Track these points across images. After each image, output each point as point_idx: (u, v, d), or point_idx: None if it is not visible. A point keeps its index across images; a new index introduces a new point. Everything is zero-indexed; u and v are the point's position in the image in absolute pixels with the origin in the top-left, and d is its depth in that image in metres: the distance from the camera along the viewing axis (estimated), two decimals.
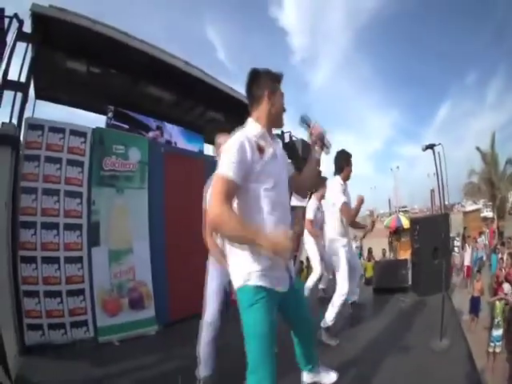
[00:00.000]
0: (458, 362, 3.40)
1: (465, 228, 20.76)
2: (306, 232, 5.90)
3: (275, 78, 2.22)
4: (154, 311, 5.02)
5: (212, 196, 1.90)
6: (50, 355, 3.93)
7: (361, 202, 4.39)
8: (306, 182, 2.53)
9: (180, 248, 5.29)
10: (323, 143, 2.43)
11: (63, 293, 4.31)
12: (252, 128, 2.14)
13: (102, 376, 3.60)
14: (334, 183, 4.53)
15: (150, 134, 7.21)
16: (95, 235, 4.65)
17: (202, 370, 3.05)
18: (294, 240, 2.17)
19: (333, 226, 4.52)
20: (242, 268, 2.05)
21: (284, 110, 2.26)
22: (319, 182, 5.52)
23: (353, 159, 4.54)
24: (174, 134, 8.00)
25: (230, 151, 1.94)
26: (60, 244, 4.37)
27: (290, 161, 2.51)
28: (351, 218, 4.37)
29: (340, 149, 4.56)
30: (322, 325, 4.20)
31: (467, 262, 13.83)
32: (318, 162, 2.50)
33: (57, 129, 4.54)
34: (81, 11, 4.89)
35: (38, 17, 4.45)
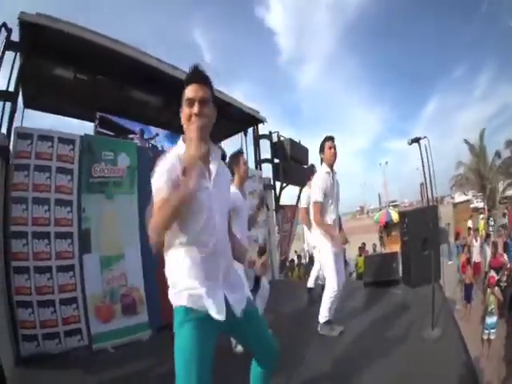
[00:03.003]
0: (451, 350, 3.48)
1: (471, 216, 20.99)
2: (319, 232, 4.67)
3: (186, 83, 2.08)
4: (147, 316, 5.04)
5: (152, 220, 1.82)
6: (46, 365, 3.92)
7: (338, 244, 4.42)
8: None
9: None
10: None
11: (56, 302, 4.29)
12: (176, 147, 2.06)
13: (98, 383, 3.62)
14: (317, 174, 4.64)
15: (130, 136, 7.26)
16: (86, 242, 4.64)
17: None
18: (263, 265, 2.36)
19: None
20: (175, 288, 1.93)
21: (187, 119, 2.01)
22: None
23: (341, 153, 4.62)
24: (161, 138, 8.05)
25: (156, 173, 1.95)
26: (52, 253, 4.35)
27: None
28: (316, 223, 4.43)
29: None
30: (319, 320, 4.31)
31: (476, 258, 12.87)
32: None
33: (45, 137, 4.52)
34: (68, 18, 4.87)
35: (25, 25, 4.43)
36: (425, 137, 4.04)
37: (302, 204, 6.07)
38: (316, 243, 4.61)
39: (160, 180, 1.87)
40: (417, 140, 4.04)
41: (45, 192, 4.41)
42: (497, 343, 7.37)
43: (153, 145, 7.86)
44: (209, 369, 1.83)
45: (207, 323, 1.85)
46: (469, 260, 11.68)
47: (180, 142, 2.06)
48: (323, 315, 4.31)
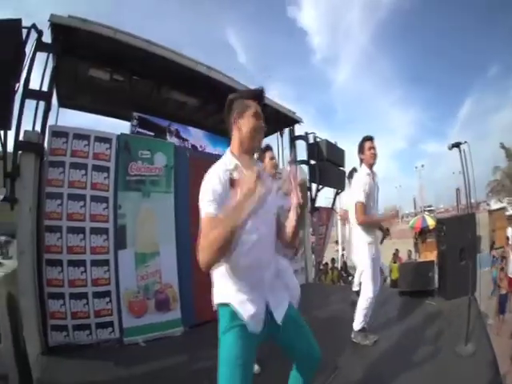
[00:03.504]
0: (482, 367, 3.36)
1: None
2: (357, 234, 4.49)
3: (248, 97, 2.11)
4: (180, 313, 5.07)
5: (202, 240, 1.69)
6: (74, 355, 4.00)
7: (391, 216, 4.38)
8: (286, 235, 2.17)
9: None
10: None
11: (89, 294, 4.39)
12: (225, 160, 2.03)
13: (128, 376, 3.66)
14: (358, 174, 4.49)
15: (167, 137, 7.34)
16: (122, 238, 4.73)
17: None
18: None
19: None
20: (220, 293, 2.03)
21: (255, 132, 2.04)
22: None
23: (378, 156, 4.41)
24: (199, 138, 8.15)
25: (203, 190, 1.87)
26: (86, 247, 4.45)
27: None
28: (362, 223, 4.28)
29: None
30: (353, 328, 4.25)
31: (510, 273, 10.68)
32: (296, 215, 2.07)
33: (81, 135, 4.63)
34: (101, 20, 4.99)
35: (57, 27, 4.54)
36: (465, 142, 3.91)
37: (359, 197, 4.87)
38: (355, 248, 4.51)
39: (211, 197, 1.82)
40: (457, 145, 3.91)
41: (80, 188, 4.52)
42: None
43: (193, 145, 7.97)
44: (251, 374, 1.93)
45: (242, 328, 1.90)
46: (502, 269, 10.87)
47: (228, 154, 2.07)
48: (358, 322, 4.24)
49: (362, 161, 4.48)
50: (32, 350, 3.80)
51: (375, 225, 4.39)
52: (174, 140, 7.35)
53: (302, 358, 2.18)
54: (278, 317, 2.00)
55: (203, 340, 4.60)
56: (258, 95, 2.12)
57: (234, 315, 1.90)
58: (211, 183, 1.85)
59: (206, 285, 4.94)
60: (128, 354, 4.29)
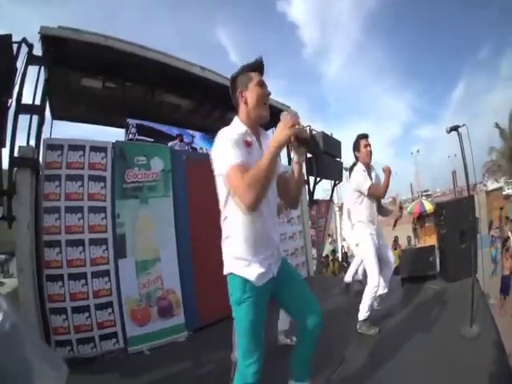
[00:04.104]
0: (487, 347, 3.38)
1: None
2: (359, 228, 4.60)
3: (249, 70, 2.22)
4: (183, 318, 5.05)
5: (240, 186, 1.87)
6: (80, 370, 3.89)
7: (388, 172, 4.30)
8: (291, 191, 2.35)
9: (205, 252, 5.33)
10: (304, 138, 2.09)
11: (91, 307, 4.37)
12: (235, 126, 2.17)
13: None
14: (355, 173, 4.52)
15: (170, 144, 7.26)
16: (121, 248, 4.69)
17: None
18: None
19: (357, 210, 4.51)
20: (233, 257, 2.17)
21: (262, 100, 2.18)
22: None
23: (372, 144, 4.49)
24: (196, 140, 8.16)
25: (220, 150, 2.02)
26: (86, 259, 4.43)
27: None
28: (383, 194, 4.40)
29: None
30: (358, 317, 4.30)
31: None
32: (299, 167, 2.26)
33: (76, 146, 4.61)
34: (90, 28, 4.97)
35: (47, 39, 4.51)
36: (463, 124, 3.88)
37: (366, 182, 4.77)
38: (357, 239, 4.57)
39: (232, 152, 1.95)
40: (455, 128, 3.89)
41: (77, 200, 4.49)
42: None
43: (192, 147, 8.00)
44: (263, 326, 2.19)
45: (261, 292, 2.14)
46: (508, 250, 10.67)
47: (237, 120, 2.22)
48: (363, 312, 4.28)
49: (357, 158, 4.52)
50: None
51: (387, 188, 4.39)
52: (177, 145, 7.47)
53: (304, 313, 2.34)
54: (275, 270, 2.24)
55: (208, 343, 4.62)
56: (258, 65, 2.22)
57: (246, 285, 2.09)
58: (227, 143, 1.99)
59: (209, 287, 4.98)
60: (133, 364, 4.27)
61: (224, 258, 2.23)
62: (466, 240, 5.39)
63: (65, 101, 6.20)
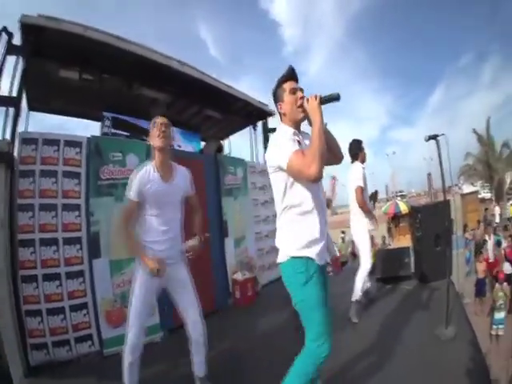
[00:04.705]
0: (463, 348, 3.51)
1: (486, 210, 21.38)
2: (353, 215, 5.11)
3: (283, 81, 2.49)
4: (158, 318, 4.99)
5: (302, 166, 2.17)
6: (56, 373, 3.91)
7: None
8: (333, 149, 2.64)
9: None
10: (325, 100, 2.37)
11: (66, 309, 4.27)
12: (284, 129, 2.48)
13: None
14: (355, 167, 5.02)
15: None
16: (95, 247, 4.58)
17: None
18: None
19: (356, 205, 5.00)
20: (296, 242, 2.39)
21: (296, 106, 2.44)
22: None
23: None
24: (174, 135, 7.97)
25: (279, 147, 2.33)
26: (60, 259, 4.31)
27: None
28: (360, 203, 4.91)
29: (352, 139, 5.16)
30: (352, 299, 4.86)
31: (491, 256, 11.43)
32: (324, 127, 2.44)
33: (51, 141, 4.45)
34: (70, 18, 4.78)
35: (27, 27, 4.34)
36: (443, 134, 4.03)
37: (358, 182, 5.03)
38: (353, 226, 5.13)
39: (290, 144, 2.30)
40: (434, 137, 4.04)
41: (51, 198, 4.35)
42: (505, 339, 7.45)
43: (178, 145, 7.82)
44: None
45: (320, 272, 2.41)
46: (481, 253, 11.28)
47: (283, 125, 2.53)
48: (356, 293, 4.86)
49: (356, 157, 5.08)
50: (14, 372, 3.65)
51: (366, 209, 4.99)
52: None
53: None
54: (327, 258, 2.54)
55: (184, 343, 4.57)
56: (289, 75, 2.50)
57: (308, 263, 2.33)
58: (282, 141, 2.34)
59: None
60: (109, 366, 4.06)
61: (281, 247, 2.51)
62: (441, 243, 5.56)
63: (42, 92, 6.02)
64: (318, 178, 2.19)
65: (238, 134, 9.95)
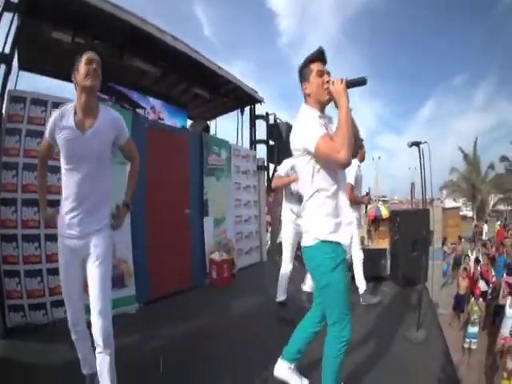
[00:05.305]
0: (434, 354, 3.52)
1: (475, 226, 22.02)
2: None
3: (311, 61, 2.47)
4: (134, 289, 4.96)
5: (331, 150, 2.20)
6: (32, 337, 3.86)
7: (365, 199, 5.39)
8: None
9: (160, 224, 5.29)
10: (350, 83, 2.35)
11: (44, 271, 4.22)
12: (309, 111, 2.45)
13: None
14: (351, 164, 4.93)
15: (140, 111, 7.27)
16: None
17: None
18: None
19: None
20: (322, 227, 2.41)
21: (321, 88, 2.43)
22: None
23: None
24: (158, 108, 8.01)
25: (308, 130, 2.32)
26: (41, 221, 4.22)
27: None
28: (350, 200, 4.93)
29: None
30: (360, 292, 5.10)
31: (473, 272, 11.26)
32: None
33: (39, 101, 4.37)
34: None
35: None
36: (425, 142, 4.14)
37: (349, 179, 5.04)
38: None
39: (318, 128, 2.29)
40: (417, 144, 4.15)
41: (35, 158, 4.26)
42: (478, 353, 7.66)
43: (160, 118, 7.93)
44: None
45: (345, 254, 2.45)
46: (465, 269, 11.17)
47: (307, 107, 2.52)
48: (363, 284, 5.11)
49: (355, 155, 4.97)
50: None
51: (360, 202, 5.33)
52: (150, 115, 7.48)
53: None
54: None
55: (159, 317, 4.59)
56: (318, 55, 2.48)
57: (338, 248, 2.38)
58: (309, 124, 2.34)
59: (162, 260, 4.88)
60: None
61: (309, 229, 2.47)
62: (418, 248, 5.67)
63: (34, 52, 5.91)
64: (347, 164, 2.23)
65: (224, 117, 9.99)
